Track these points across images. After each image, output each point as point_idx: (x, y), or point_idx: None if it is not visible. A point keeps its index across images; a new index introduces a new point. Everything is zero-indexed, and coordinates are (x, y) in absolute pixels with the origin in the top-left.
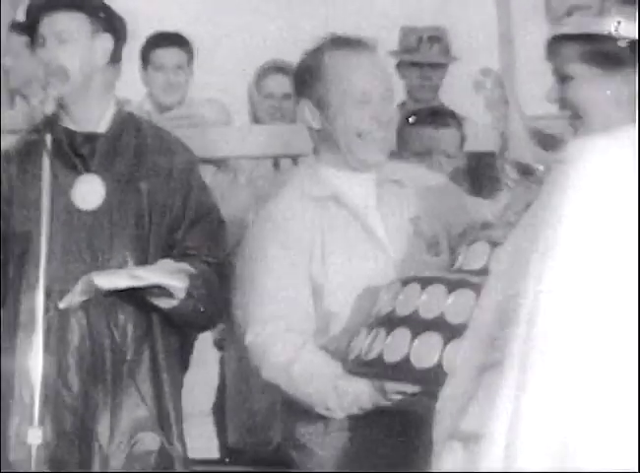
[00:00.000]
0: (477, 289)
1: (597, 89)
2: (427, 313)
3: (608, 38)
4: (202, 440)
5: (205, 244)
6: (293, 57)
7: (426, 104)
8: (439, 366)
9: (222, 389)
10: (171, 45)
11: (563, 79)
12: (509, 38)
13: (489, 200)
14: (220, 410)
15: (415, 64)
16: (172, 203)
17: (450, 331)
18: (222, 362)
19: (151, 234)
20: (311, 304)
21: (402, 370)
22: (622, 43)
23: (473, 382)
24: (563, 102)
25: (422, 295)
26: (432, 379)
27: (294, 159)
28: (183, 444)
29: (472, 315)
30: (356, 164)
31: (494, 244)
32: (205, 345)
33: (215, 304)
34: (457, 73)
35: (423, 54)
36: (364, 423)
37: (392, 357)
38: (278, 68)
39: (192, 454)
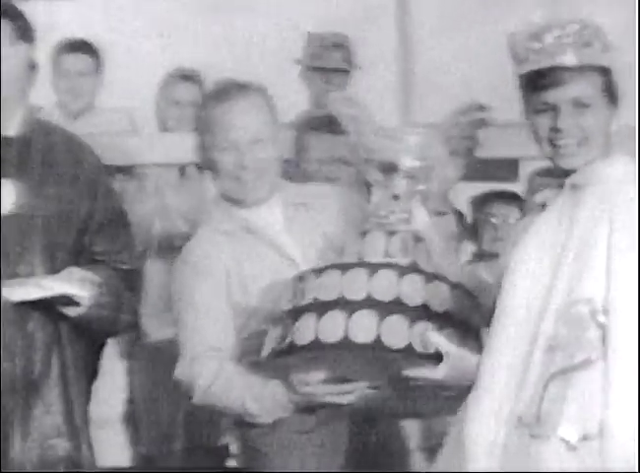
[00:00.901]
0: (398, 268)
1: (605, 121)
2: (353, 295)
3: (611, 73)
4: (113, 449)
5: (113, 249)
6: (201, 65)
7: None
8: (378, 340)
9: (131, 398)
10: (76, 51)
11: (579, 106)
12: (409, 50)
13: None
14: (130, 419)
15: (318, 70)
16: (80, 208)
17: (384, 308)
18: (130, 372)
19: (59, 240)
20: (231, 327)
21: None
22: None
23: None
24: (570, 131)
25: (344, 279)
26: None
27: (200, 167)
28: (92, 452)
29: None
30: (241, 202)
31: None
32: (115, 354)
33: (121, 310)
34: (359, 81)
35: (327, 60)
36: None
37: (328, 338)
38: (185, 76)
39: (103, 462)
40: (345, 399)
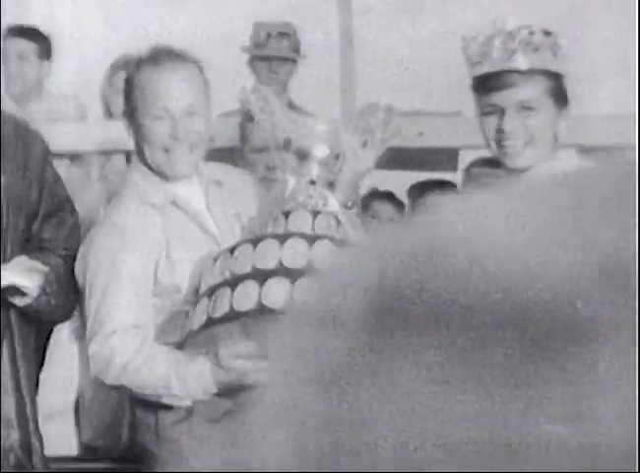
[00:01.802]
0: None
1: (551, 123)
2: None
3: (562, 77)
4: (60, 439)
5: (60, 237)
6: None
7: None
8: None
9: (80, 387)
10: (16, 36)
11: (525, 109)
12: (349, 38)
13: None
14: (77, 408)
15: (264, 59)
16: (29, 195)
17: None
18: (79, 360)
19: (8, 228)
20: (151, 305)
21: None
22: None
23: None
24: (518, 130)
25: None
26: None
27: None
28: (40, 441)
29: None
30: (168, 176)
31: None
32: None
33: (69, 298)
34: (305, 69)
35: (272, 49)
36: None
37: (242, 306)
38: (129, 64)
39: (51, 451)
40: None
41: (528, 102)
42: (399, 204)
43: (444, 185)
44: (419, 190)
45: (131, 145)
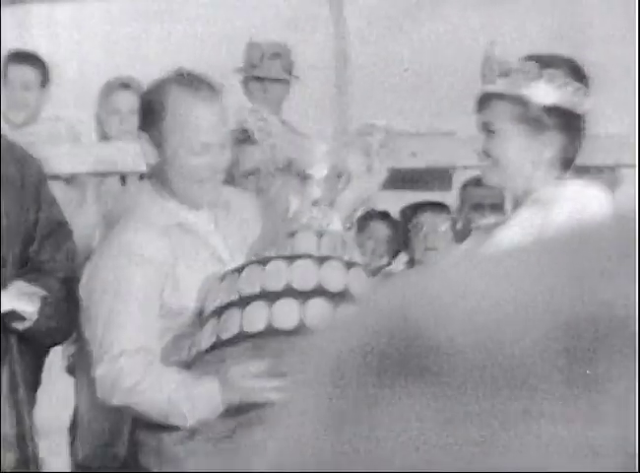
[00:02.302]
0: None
1: (518, 147)
2: (302, 285)
3: (534, 103)
4: (55, 459)
5: (57, 259)
6: (140, 74)
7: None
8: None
9: (76, 408)
10: (21, 63)
11: (489, 132)
12: (345, 58)
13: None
14: (74, 429)
15: (258, 79)
16: (26, 218)
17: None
18: (75, 381)
19: (8, 252)
20: (157, 327)
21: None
22: (540, 108)
23: None
24: (485, 153)
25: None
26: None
27: (142, 175)
28: (37, 462)
29: None
30: (191, 204)
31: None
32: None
33: (67, 321)
34: (298, 90)
35: (266, 70)
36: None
37: (252, 328)
38: (124, 84)
39: (45, 470)
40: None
41: (490, 126)
42: (395, 224)
43: (436, 206)
44: (412, 211)
45: (126, 166)
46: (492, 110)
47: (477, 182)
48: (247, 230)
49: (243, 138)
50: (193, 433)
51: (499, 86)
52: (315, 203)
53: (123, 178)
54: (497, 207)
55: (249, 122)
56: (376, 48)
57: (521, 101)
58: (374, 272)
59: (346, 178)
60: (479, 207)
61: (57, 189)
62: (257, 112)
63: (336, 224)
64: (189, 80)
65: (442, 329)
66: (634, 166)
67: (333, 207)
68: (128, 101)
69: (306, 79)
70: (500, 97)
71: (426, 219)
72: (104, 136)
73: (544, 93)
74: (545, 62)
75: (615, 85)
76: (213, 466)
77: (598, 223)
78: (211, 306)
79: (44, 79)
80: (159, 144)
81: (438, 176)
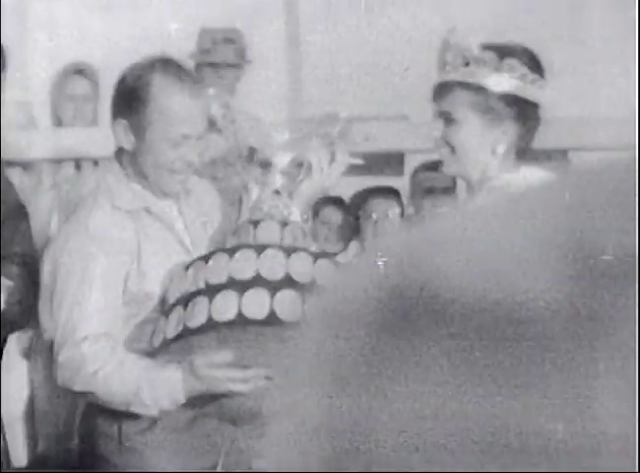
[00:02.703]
0: (286, 249)
1: (477, 136)
2: (269, 274)
3: (493, 92)
4: (12, 449)
5: (15, 241)
6: (94, 60)
7: None
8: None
9: (31, 397)
10: None
11: (448, 120)
12: (296, 43)
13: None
14: (30, 418)
15: (211, 65)
16: None
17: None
18: (30, 370)
19: None
20: (121, 313)
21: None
22: (500, 98)
23: None
24: (443, 141)
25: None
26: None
27: (96, 162)
28: (7, 455)
29: None
30: (159, 192)
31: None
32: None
33: (26, 308)
34: (251, 75)
35: (218, 56)
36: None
37: (222, 317)
38: (78, 70)
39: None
40: (243, 388)
41: (449, 114)
42: (348, 210)
43: (387, 192)
44: (363, 197)
45: (81, 152)
46: (452, 99)
47: (428, 167)
48: (208, 218)
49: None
50: (153, 423)
51: (459, 75)
52: (276, 192)
53: (77, 165)
54: (449, 191)
55: (213, 108)
56: (329, 34)
57: (481, 91)
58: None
59: (306, 168)
60: (430, 191)
61: (14, 175)
62: (221, 98)
63: (295, 214)
64: (174, 70)
65: (449, 278)
66: (584, 149)
67: (292, 197)
68: (82, 87)
69: (259, 65)
70: (460, 85)
71: (377, 205)
72: (59, 122)
73: (504, 83)
74: (504, 51)
75: (615, 84)
76: (172, 457)
77: (598, 162)
78: (176, 294)
79: (1, 63)
80: (138, 131)
81: (391, 161)
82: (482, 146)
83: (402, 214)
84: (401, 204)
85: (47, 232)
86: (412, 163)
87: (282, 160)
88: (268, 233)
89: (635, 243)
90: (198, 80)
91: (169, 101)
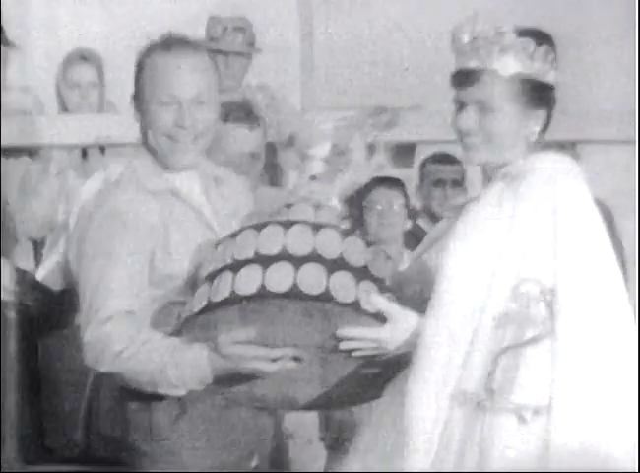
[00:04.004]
0: (339, 229)
1: (513, 123)
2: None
3: (532, 79)
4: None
5: None
6: (100, 46)
7: (231, 94)
8: (327, 292)
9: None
10: None
11: (483, 109)
12: (310, 32)
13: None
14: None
15: (220, 53)
16: None
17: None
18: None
19: None
20: (147, 293)
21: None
22: (533, 84)
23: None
24: (475, 129)
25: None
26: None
27: (102, 148)
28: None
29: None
30: (170, 164)
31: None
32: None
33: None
34: (261, 64)
35: (228, 43)
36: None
37: (245, 290)
38: (83, 57)
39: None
40: (270, 367)
41: (486, 103)
42: (352, 200)
43: (391, 182)
44: (367, 187)
45: (87, 140)
46: (485, 86)
47: (437, 158)
48: (237, 205)
49: (240, 115)
50: (183, 411)
51: (493, 62)
52: (314, 178)
53: (84, 152)
54: (458, 183)
55: (258, 98)
56: (341, 23)
57: (516, 78)
58: None
59: (346, 159)
60: (439, 183)
61: (21, 163)
62: (266, 89)
63: (334, 203)
64: (168, 40)
65: None
66: (592, 141)
67: (331, 185)
68: (87, 74)
69: (269, 53)
70: (492, 72)
71: (381, 195)
72: (65, 109)
73: (540, 69)
74: (538, 37)
75: (615, 84)
76: (204, 447)
77: None
78: (204, 272)
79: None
80: (138, 104)
81: (401, 152)
82: (518, 133)
83: (406, 205)
84: (405, 195)
85: (54, 218)
86: (421, 154)
87: (322, 148)
88: (301, 213)
89: None
90: (194, 46)
91: (158, 65)
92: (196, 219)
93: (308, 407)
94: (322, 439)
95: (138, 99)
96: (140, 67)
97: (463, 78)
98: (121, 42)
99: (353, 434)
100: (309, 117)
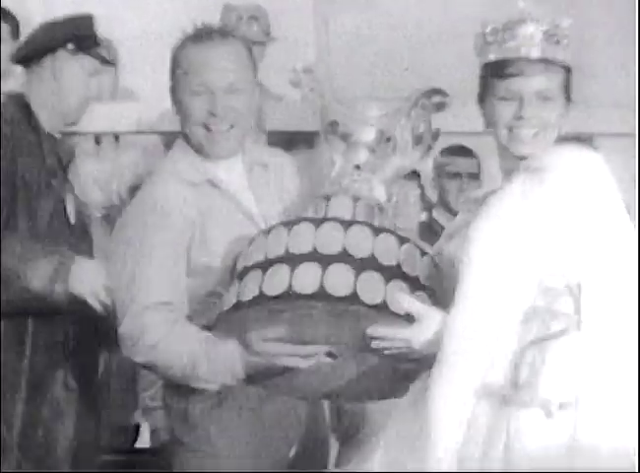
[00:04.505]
0: (370, 226)
1: (561, 114)
2: (327, 249)
3: (567, 68)
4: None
5: None
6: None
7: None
8: (354, 294)
9: None
10: None
11: (542, 99)
12: (325, 21)
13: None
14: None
15: None
16: None
17: (359, 263)
18: None
19: None
20: (184, 284)
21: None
22: (568, 75)
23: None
24: (534, 119)
25: (317, 233)
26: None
27: (117, 136)
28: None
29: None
30: (209, 154)
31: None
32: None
33: None
34: (275, 52)
35: (243, 32)
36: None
37: (272, 291)
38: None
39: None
40: (303, 363)
41: (545, 92)
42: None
43: (408, 174)
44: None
45: (100, 127)
46: (550, 76)
47: (453, 151)
48: (285, 190)
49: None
50: (220, 401)
51: (554, 53)
52: (357, 167)
53: (97, 139)
54: (474, 176)
55: (302, 82)
56: (358, 13)
57: (565, 69)
58: None
59: (392, 146)
60: (456, 176)
61: None
62: (310, 73)
63: (378, 191)
64: (200, 31)
65: None
66: (610, 134)
67: (375, 174)
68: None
69: (284, 42)
70: (548, 62)
71: (397, 187)
72: None
73: (569, 59)
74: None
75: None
76: (242, 438)
77: None
78: (238, 268)
79: (14, 32)
80: (173, 95)
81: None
82: (558, 124)
83: (422, 196)
84: (421, 186)
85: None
86: (437, 146)
87: (367, 134)
88: (339, 208)
89: None
90: (226, 34)
91: (189, 56)
92: (235, 209)
93: (347, 398)
94: (334, 430)
95: (173, 91)
96: (175, 61)
97: (519, 68)
98: (138, 32)
99: (364, 426)
100: (353, 104)
